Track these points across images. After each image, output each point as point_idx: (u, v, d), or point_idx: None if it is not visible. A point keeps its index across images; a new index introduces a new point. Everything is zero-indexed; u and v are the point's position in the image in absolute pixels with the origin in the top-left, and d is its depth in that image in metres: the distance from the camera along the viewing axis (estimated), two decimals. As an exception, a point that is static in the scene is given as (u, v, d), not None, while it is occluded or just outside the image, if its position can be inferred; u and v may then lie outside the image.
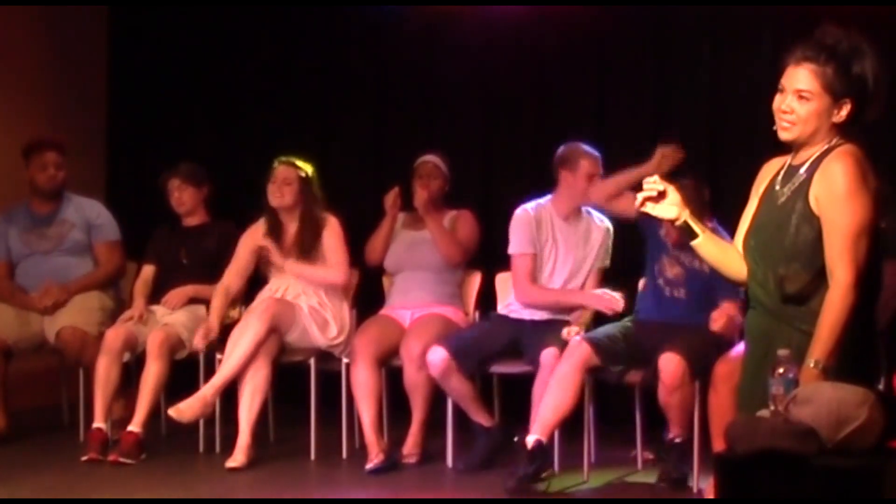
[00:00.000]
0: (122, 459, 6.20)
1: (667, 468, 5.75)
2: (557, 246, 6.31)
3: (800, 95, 3.76)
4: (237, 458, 6.17)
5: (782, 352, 3.53)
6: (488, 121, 7.52)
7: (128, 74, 8.21)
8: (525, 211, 6.35)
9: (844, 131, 3.80)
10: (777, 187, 3.87)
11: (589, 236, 6.31)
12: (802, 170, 3.81)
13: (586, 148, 6.31)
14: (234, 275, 6.63)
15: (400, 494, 5.84)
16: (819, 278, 3.75)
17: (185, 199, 6.86)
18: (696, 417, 5.68)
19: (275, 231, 6.58)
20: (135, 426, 6.31)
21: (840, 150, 3.77)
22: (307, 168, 6.56)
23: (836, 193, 3.72)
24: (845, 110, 3.76)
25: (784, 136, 3.82)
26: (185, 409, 6.14)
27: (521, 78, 7.41)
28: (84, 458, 6.24)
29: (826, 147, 3.79)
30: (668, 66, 7.11)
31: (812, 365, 3.64)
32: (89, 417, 6.52)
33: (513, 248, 6.31)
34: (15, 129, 7.47)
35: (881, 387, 4.01)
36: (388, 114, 7.71)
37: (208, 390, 6.23)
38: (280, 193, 6.51)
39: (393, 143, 7.58)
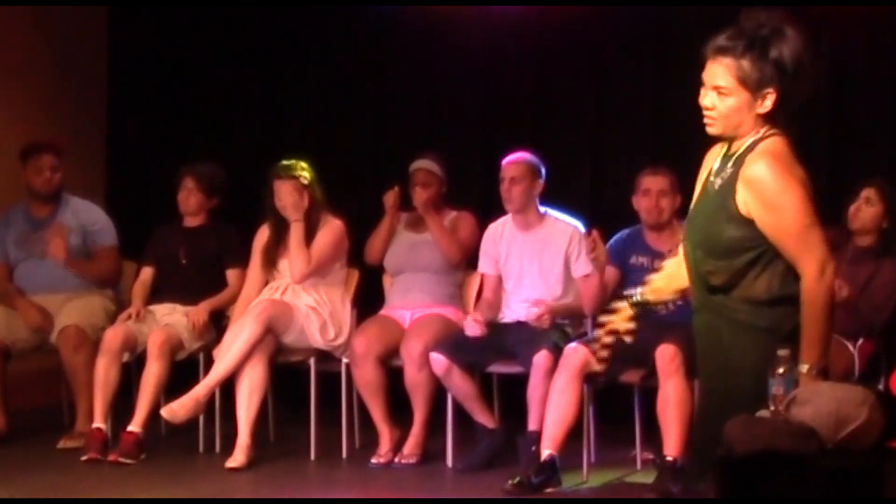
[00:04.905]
0: (122, 459, 6.21)
1: (660, 482, 5.71)
2: (521, 258, 6.36)
3: (718, 91, 3.66)
4: (237, 458, 6.17)
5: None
6: (488, 121, 7.52)
7: (128, 74, 8.21)
8: (489, 229, 6.51)
9: (774, 119, 3.65)
10: (712, 177, 3.75)
11: (550, 242, 6.32)
12: (730, 164, 3.69)
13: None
14: (253, 287, 6.61)
15: (400, 494, 5.84)
16: (744, 270, 3.64)
17: (191, 202, 6.83)
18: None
19: (279, 232, 6.56)
20: (135, 426, 6.32)
21: (760, 147, 3.63)
22: (306, 173, 6.51)
23: (765, 198, 3.58)
24: (770, 100, 3.61)
25: (710, 131, 3.72)
26: (177, 409, 6.15)
27: (521, 78, 7.41)
28: (84, 458, 6.25)
29: (753, 139, 3.66)
30: (667, 66, 7.11)
31: (805, 371, 3.56)
32: (73, 418, 6.68)
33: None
34: (14, 130, 7.46)
35: (881, 387, 4.02)
36: (389, 114, 7.71)
37: (201, 390, 6.24)
38: (293, 210, 6.45)
39: (393, 143, 7.58)
